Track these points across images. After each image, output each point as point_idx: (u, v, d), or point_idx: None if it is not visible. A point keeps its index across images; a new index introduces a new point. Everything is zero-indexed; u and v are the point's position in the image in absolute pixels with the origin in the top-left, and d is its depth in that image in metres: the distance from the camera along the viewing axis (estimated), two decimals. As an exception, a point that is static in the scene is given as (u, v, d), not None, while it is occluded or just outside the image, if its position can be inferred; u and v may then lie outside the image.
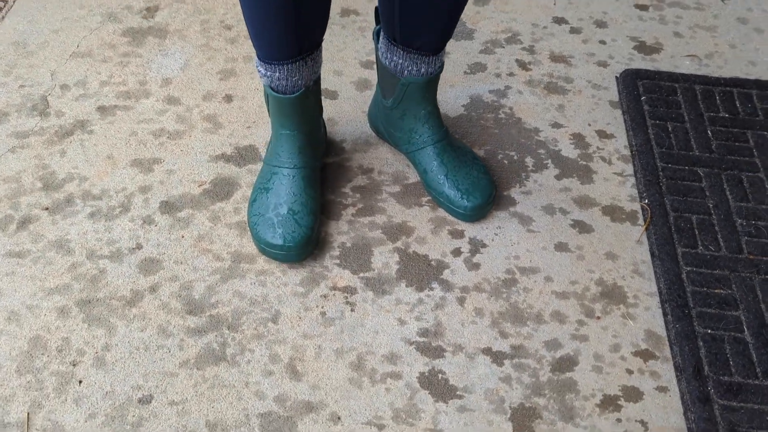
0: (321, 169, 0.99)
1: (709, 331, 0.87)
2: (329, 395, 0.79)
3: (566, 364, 0.83)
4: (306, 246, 0.89)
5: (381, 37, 0.92)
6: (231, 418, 0.77)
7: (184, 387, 0.79)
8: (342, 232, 0.94)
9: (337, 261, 0.91)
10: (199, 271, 0.89)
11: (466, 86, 1.14)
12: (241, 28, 1.20)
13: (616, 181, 1.02)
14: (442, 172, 0.95)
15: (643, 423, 0.79)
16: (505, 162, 1.04)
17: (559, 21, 1.26)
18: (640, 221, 0.98)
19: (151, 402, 0.78)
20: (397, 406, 0.79)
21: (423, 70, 0.90)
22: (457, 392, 0.80)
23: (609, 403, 0.80)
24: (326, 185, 0.99)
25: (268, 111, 0.93)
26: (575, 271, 0.92)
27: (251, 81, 1.12)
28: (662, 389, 0.82)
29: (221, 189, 0.98)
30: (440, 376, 0.82)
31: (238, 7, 1.24)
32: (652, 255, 0.95)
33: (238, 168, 1.00)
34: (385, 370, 0.82)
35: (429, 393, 0.80)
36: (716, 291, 0.91)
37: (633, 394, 0.81)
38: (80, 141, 1.02)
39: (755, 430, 0.78)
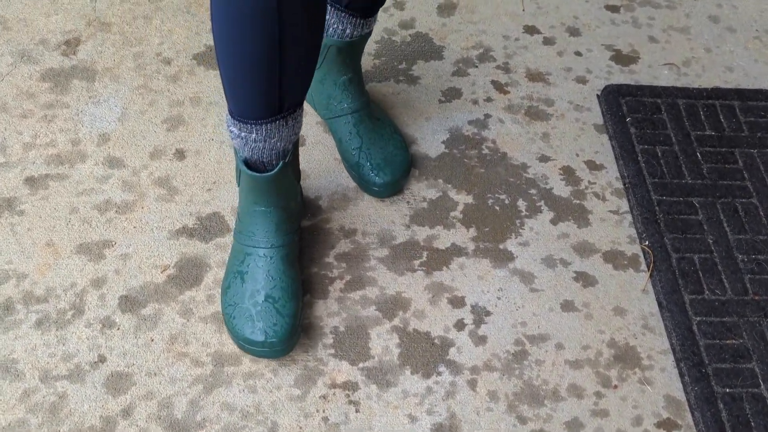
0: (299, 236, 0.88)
1: (728, 390, 0.84)
2: None
3: (590, 446, 0.78)
4: (291, 338, 0.78)
5: None
6: None
7: None
8: (332, 313, 0.84)
9: (332, 351, 0.82)
10: (178, 382, 0.78)
11: (443, 117, 1.04)
12: (182, 62, 1.05)
13: (613, 221, 0.96)
14: (356, 144, 0.92)
15: (674, 505, 0.75)
16: (497, 208, 0.96)
17: (531, 30, 1.16)
18: (643, 266, 0.93)
19: None
20: None
21: (348, 31, 0.85)
22: (483, 495, 0.74)
23: (639, 487, 0.76)
24: (307, 254, 0.89)
25: (237, 180, 0.81)
26: (585, 333, 0.86)
27: (203, 129, 0.98)
28: (689, 463, 0.78)
29: (189, 273, 0.85)
30: (462, 479, 0.75)
31: (175, 35, 1.08)
32: (660, 305, 0.90)
33: (205, 243, 0.88)
34: (403, 479, 0.74)
35: (453, 501, 0.74)
36: (728, 342, 0.87)
37: (662, 474, 0.77)
38: (10, 225, 0.87)
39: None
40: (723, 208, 0.99)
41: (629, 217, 0.97)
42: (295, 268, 0.82)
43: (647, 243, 0.95)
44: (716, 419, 0.81)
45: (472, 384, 0.81)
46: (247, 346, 0.78)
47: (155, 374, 0.78)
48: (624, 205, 0.98)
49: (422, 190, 0.96)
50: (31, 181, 0.91)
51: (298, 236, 0.85)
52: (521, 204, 0.97)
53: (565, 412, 0.80)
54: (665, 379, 0.84)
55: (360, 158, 0.92)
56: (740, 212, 0.99)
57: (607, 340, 0.86)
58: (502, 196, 0.97)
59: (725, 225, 0.98)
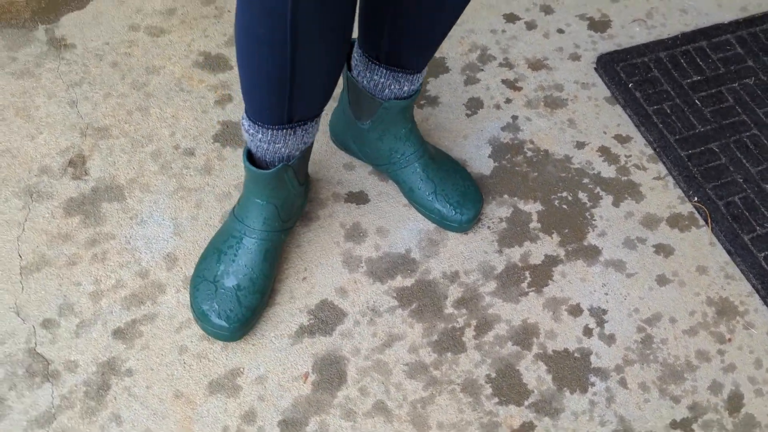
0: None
1: (810, 310, 0.96)
2: None
3: (736, 400, 0.88)
4: (241, 329, 0.81)
5: (356, 55, 0.84)
6: None
7: None
8: (478, 363, 0.86)
9: (496, 399, 0.84)
10: (379, 486, 0.76)
11: (477, 131, 1.05)
12: (206, 148, 0.96)
13: (660, 187, 1.04)
14: (430, 189, 0.92)
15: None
16: (565, 207, 1.00)
17: (511, 18, 1.18)
18: (701, 222, 1.02)
19: None
20: None
21: (406, 88, 0.84)
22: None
23: (785, 420, 0.87)
24: (426, 312, 0.88)
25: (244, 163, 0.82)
26: (686, 300, 0.94)
27: (265, 216, 0.92)
28: (809, 384, 0.90)
29: (330, 372, 0.82)
30: (655, 471, 0.82)
31: (183, 121, 0.98)
32: (729, 253, 1.00)
33: (329, 336, 0.85)
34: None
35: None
36: (792, 267, 0.99)
37: (796, 402, 0.89)
38: (126, 391, 0.78)
39: None
40: (736, 146, 1.10)
41: (671, 179, 1.05)
42: (272, 267, 0.84)
43: (696, 199, 1.04)
44: (814, 339, 0.93)
45: (623, 383, 0.87)
46: (200, 319, 0.81)
47: (354, 487, 0.76)
48: (662, 168, 1.06)
49: (494, 211, 0.98)
50: (120, 334, 0.81)
51: (287, 233, 0.87)
52: (582, 196, 1.01)
53: (704, 378, 0.89)
54: (762, 318, 0.95)
55: (438, 201, 0.92)
56: (750, 146, 1.10)
57: (704, 299, 0.95)
58: (564, 194, 1.01)
59: (745, 162, 1.09)
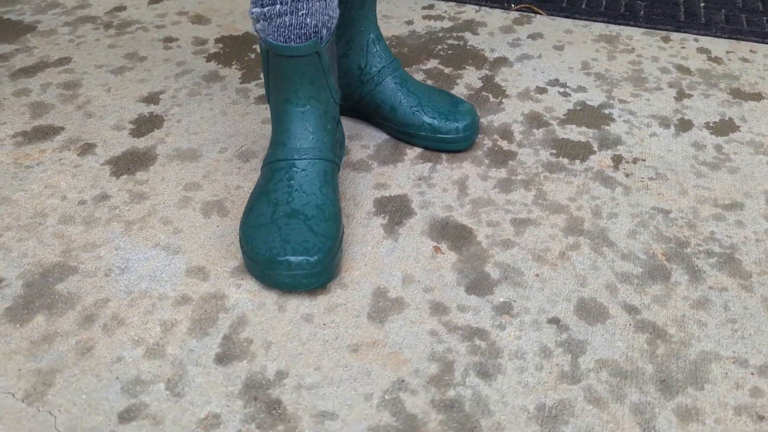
0: None
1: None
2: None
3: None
4: (325, 261, 0.59)
5: None
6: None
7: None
8: (533, 154, 0.80)
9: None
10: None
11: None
12: (117, 186, 0.73)
13: (486, 14, 1.13)
14: (414, 102, 0.79)
15: None
16: (451, 52, 1.01)
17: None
18: (533, 16, 1.13)
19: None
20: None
21: None
22: None
23: None
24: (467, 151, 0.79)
25: (267, 86, 0.67)
26: (583, 49, 1.03)
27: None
28: None
29: (450, 232, 0.67)
30: None
31: (64, 183, 0.73)
32: (568, 16, 1.13)
33: (415, 216, 0.70)
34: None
35: None
36: None
37: None
38: (299, 390, 0.52)
39: None
40: (494, -24, 1.26)
41: (486, 7, 1.15)
42: (336, 194, 0.66)
43: (513, 6, 1.15)
44: None
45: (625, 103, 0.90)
46: (271, 268, 0.59)
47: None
48: (473, 6, 1.16)
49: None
50: (228, 358, 0.54)
51: (338, 170, 0.71)
52: (453, 42, 1.04)
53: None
54: (600, 29, 1.08)
55: (426, 114, 0.78)
56: (501, -28, 1.28)
57: (593, 39, 1.05)
58: (439, 47, 1.03)
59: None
